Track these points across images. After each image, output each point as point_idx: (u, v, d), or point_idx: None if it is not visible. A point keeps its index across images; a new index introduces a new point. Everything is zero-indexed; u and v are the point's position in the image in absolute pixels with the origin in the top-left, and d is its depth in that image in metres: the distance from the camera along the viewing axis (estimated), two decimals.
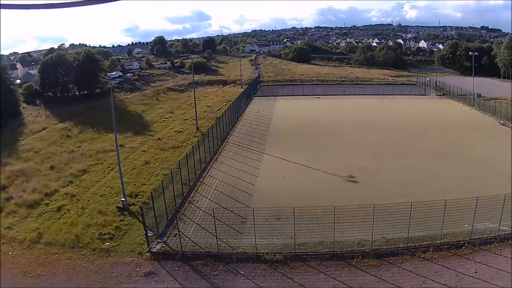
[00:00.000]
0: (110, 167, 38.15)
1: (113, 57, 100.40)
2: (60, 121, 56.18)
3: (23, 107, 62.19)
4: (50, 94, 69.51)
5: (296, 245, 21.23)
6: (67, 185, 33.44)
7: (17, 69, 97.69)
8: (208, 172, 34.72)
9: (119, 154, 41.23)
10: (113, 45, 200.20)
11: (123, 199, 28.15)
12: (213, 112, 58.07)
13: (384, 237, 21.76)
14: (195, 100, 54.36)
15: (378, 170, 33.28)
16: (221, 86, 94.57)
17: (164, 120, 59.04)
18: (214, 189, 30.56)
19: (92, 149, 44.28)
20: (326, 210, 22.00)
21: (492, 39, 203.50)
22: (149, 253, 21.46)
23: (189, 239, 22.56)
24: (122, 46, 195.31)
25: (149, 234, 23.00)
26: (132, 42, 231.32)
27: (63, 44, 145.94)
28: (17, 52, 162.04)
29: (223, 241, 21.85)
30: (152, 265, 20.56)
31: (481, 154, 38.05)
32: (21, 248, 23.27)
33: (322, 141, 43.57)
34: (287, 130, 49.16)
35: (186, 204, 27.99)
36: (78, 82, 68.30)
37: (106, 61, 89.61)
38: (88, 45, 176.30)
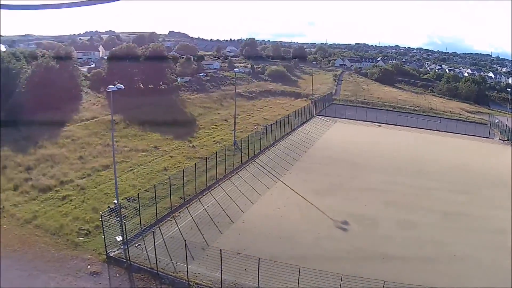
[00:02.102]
0: (131, 168, 45.19)
1: (194, 55, 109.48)
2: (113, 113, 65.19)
3: (86, 92, 72.88)
4: (117, 83, 79.73)
5: (232, 283, 24.67)
6: (84, 177, 40.94)
7: (99, 51, 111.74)
8: (212, 189, 40.05)
9: (148, 155, 49.14)
10: (211, 39, 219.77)
11: (115, 201, 34.42)
12: (264, 127, 62.77)
13: None
14: (235, 114, 60.32)
15: (378, 221, 34.89)
16: (293, 98, 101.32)
17: (213, 128, 66.01)
18: (205, 208, 35.67)
19: (127, 146, 52.06)
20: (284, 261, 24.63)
21: None
22: (105, 256, 27.30)
23: (146, 252, 27.77)
24: (220, 41, 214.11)
25: (118, 239, 28.96)
26: (231, 39, 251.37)
27: (154, 31, 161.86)
28: (114, 31, 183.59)
29: (172, 262, 26.69)
30: (102, 267, 26.37)
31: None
32: (15, 224, 30.91)
33: (346, 175, 46.33)
34: (321, 158, 52.71)
35: (169, 218, 33.53)
36: (144, 76, 77.69)
37: (183, 57, 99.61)
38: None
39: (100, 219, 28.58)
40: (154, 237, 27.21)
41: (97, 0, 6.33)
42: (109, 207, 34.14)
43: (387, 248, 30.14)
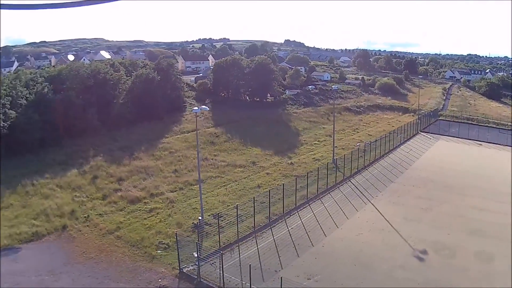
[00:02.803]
0: (225, 183, 47.36)
1: (305, 66, 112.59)
2: (214, 125, 69.02)
3: (190, 103, 77.68)
4: (223, 95, 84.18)
5: None
6: (175, 191, 43.97)
7: (208, 60, 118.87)
8: (301, 210, 41.23)
9: (244, 171, 51.12)
10: (326, 49, 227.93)
11: (200, 217, 36.55)
12: (367, 144, 62.90)
13: None
14: (333, 131, 61.09)
15: (457, 251, 34.78)
16: (400, 113, 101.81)
17: (315, 143, 67.27)
18: (288, 230, 36.66)
19: (225, 160, 54.60)
20: None
21: None
22: (179, 271, 29.17)
23: (219, 270, 28.87)
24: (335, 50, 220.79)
25: (195, 255, 30.70)
26: (346, 49, 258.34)
27: (267, 41, 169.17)
28: (228, 39, 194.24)
29: (242, 283, 27.68)
30: (172, 282, 28.29)
31: None
32: (97, 233, 34.31)
33: (437, 199, 46.03)
34: (416, 179, 52.77)
35: (251, 237, 34.89)
36: (250, 89, 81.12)
37: (291, 69, 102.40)
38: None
39: (175, 237, 30.76)
40: (221, 259, 28.53)
41: (97, 0, 6.59)
42: (193, 223, 36.34)
43: (458, 281, 30.22)
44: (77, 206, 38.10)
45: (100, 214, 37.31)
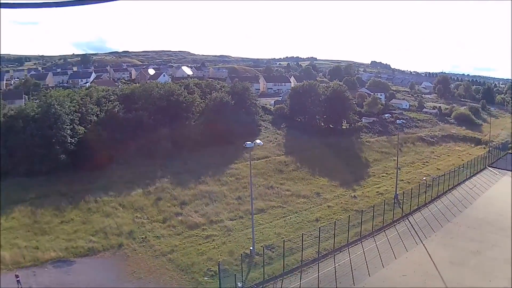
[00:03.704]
0: (285, 214, 49.22)
1: (385, 92, 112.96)
2: (285, 153, 70.98)
3: (266, 127, 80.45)
4: (299, 120, 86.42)
5: None
6: (235, 219, 46.50)
7: (290, 82, 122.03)
8: (352, 247, 42.41)
9: (307, 203, 52.79)
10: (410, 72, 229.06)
11: (251, 248, 38.81)
12: (433, 179, 62.89)
13: None
14: (397, 165, 61.73)
15: None
16: (472, 145, 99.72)
17: (383, 176, 67.50)
18: (335, 266, 38.08)
19: (290, 190, 56.46)
20: None
21: None
22: None
23: None
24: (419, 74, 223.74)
25: (239, 285, 33.08)
26: (429, 72, 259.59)
27: (353, 61, 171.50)
28: (315, 58, 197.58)
29: None
30: None
31: None
32: (151, 255, 37.61)
33: (488, 242, 45.18)
34: (472, 219, 52.05)
35: (297, 271, 36.71)
36: (325, 116, 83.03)
37: (369, 96, 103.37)
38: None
39: (218, 266, 33.35)
40: None
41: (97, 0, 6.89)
42: (244, 252, 38.59)
43: None
44: (136, 227, 41.57)
45: (157, 236, 40.58)
